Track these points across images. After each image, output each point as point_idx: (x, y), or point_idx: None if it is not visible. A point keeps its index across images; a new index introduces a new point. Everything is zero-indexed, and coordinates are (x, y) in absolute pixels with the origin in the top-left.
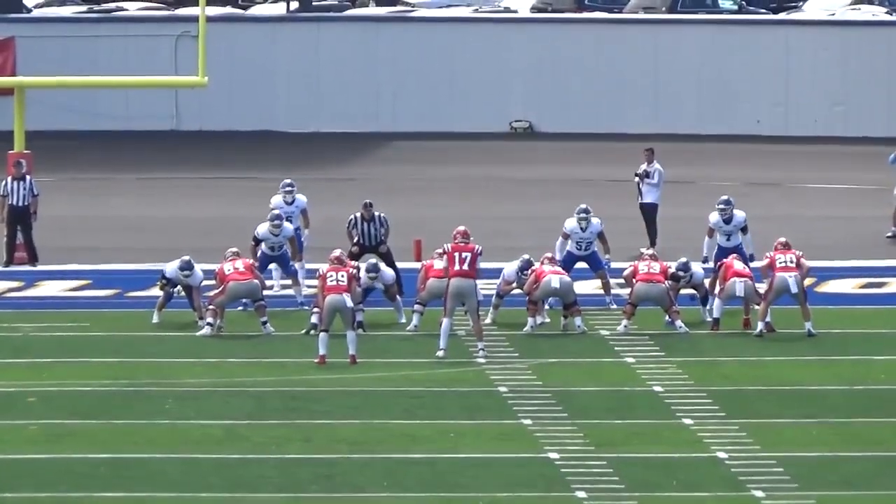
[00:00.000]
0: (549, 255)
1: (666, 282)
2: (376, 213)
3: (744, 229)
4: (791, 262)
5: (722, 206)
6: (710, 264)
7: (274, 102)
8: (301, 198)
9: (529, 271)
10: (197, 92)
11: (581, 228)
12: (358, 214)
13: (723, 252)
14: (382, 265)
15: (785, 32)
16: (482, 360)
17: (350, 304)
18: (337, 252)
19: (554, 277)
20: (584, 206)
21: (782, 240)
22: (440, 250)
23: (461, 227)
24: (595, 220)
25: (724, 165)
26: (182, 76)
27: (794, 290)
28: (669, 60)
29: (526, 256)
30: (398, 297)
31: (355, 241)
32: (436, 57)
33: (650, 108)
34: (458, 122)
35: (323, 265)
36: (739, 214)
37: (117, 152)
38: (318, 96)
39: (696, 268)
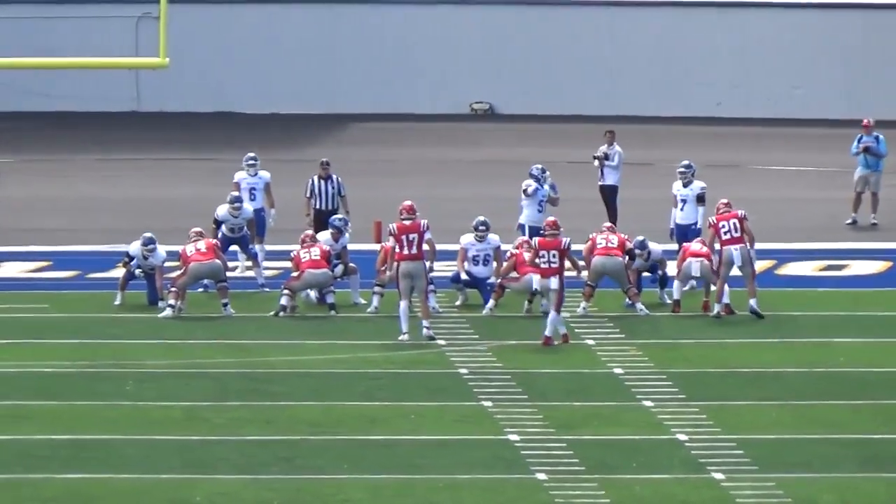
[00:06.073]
0: (525, 239)
1: (624, 257)
2: (333, 175)
3: (700, 198)
4: (735, 228)
5: (682, 170)
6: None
7: (234, 83)
8: (264, 174)
9: (508, 254)
10: (158, 73)
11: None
12: (315, 176)
13: (678, 229)
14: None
15: (745, 14)
16: (442, 343)
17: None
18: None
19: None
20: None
21: (724, 200)
22: (389, 230)
23: (406, 202)
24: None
25: (683, 147)
26: (143, 57)
27: (738, 262)
28: (628, 42)
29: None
30: (354, 275)
31: (314, 206)
32: (396, 38)
33: (609, 89)
34: (419, 103)
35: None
36: (699, 183)
37: (78, 133)
38: (278, 77)
39: (654, 246)
